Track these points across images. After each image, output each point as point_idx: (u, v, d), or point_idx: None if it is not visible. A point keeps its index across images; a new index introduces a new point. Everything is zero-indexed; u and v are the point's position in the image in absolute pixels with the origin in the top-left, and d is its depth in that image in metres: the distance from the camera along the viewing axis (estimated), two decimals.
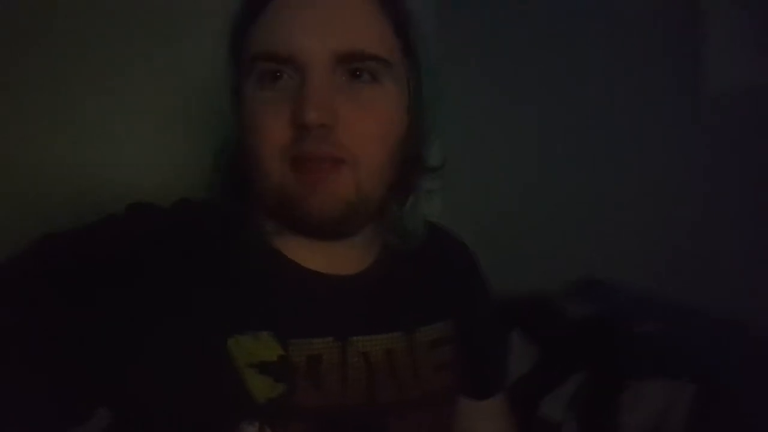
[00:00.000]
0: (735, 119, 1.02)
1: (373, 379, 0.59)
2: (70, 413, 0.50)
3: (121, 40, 1.00)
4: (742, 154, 1.01)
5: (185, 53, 0.99)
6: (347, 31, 0.54)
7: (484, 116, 1.38)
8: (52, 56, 0.97)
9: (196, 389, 0.52)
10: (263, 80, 0.54)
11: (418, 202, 0.63)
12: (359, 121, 0.54)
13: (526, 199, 1.34)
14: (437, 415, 0.64)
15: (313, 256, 0.60)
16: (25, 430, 0.49)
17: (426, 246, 0.65)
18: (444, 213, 1.43)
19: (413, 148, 0.60)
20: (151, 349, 0.51)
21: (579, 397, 1.03)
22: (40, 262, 0.53)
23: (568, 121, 1.24)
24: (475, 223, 1.42)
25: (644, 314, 1.04)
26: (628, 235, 1.15)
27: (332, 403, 0.56)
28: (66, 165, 0.97)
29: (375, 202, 0.57)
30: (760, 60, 0.99)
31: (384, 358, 0.60)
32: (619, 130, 1.17)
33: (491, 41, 1.37)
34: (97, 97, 0.99)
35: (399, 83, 0.57)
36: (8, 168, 0.94)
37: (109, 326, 0.50)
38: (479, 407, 0.74)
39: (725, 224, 1.02)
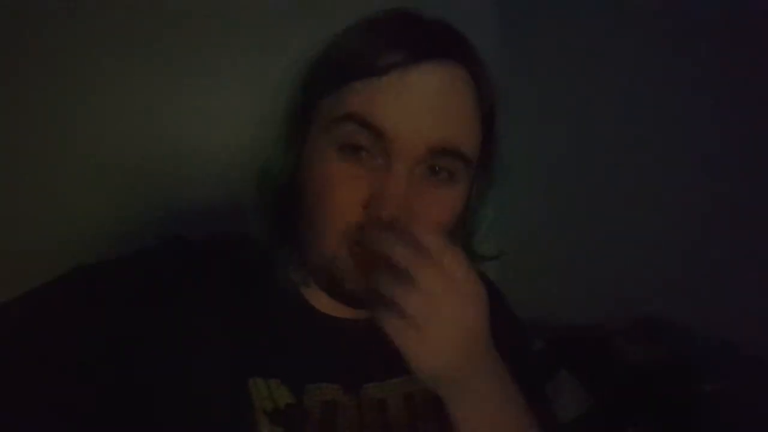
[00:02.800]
0: None
1: (391, 427, 0.57)
2: None
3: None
4: None
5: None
6: (447, 125, 0.51)
7: (536, 149, 1.34)
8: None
9: (216, 428, 0.51)
10: (345, 147, 0.50)
11: None
12: (427, 217, 0.51)
13: (577, 230, 1.27)
14: None
15: (328, 300, 0.57)
16: None
17: None
18: (492, 245, 1.39)
19: (461, 238, 0.58)
20: (175, 382, 0.51)
21: None
22: (71, 292, 0.53)
23: (620, 157, 1.20)
24: (527, 254, 1.38)
25: (714, 367, 0.94)
26: (687, 270, 1.06)
27: None
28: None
29: None
30: None
31: (403, 404, 0.58)
32: (677, 163, 1.10)
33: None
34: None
35: (468, 181, 0.55)
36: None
37: (134, 357, 0.50)
38: None
39: None
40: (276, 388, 0.53)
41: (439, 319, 0.45)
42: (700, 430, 0.90)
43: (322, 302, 0.58)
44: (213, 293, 0.55)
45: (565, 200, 1.32)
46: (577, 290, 1.24)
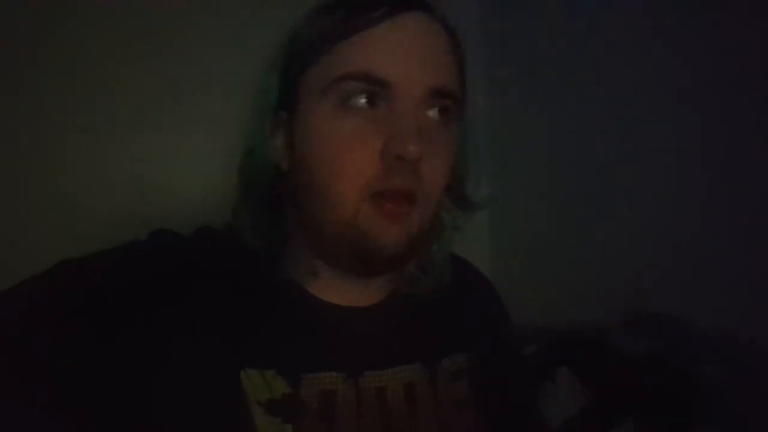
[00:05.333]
0: None
1: (390, 416, 0.57)
2: None
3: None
4: None
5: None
6: (440, 68, 0.54)
7: (533, 147, 1.37)
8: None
9: (207, 422, 0.51)
10: (348, 106, 0.52)
11: (446, 238, 0.64)
12: (434, 160, 0.54)
13: (575, 229, 1.29)
14: None
15: (333, 289, 0.59)
16: None
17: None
18: (490, 243, 1.42)
19: (453, 187, 0.61)
20: (164, 377, 0.50)
21: None
22: (58, 286, 0.52)
23: (617, 153, 1.22)
24: (524, 256, 1.40)
25: (710, 354, 0.96)
26: (686, 266, 1.08)
27: None
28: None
29: (424, 236, 0.58)
30: None
31: (403, 393, 0.58)
32: (675, 157, 1.12)
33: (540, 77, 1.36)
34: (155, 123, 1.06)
35: (457, 125, 0.58)
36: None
37: (123, 352, 0.50)
38: None
39: None
40: (272, 379, 0.53)
41: None
42: (700, 420, 0.92)
43: (323, 290, 0.59)
44: (202, 286, 0.55)
45: (561, 197, 1.33)
46: (574, 287, 1.25)
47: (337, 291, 0.59)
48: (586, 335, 1.12)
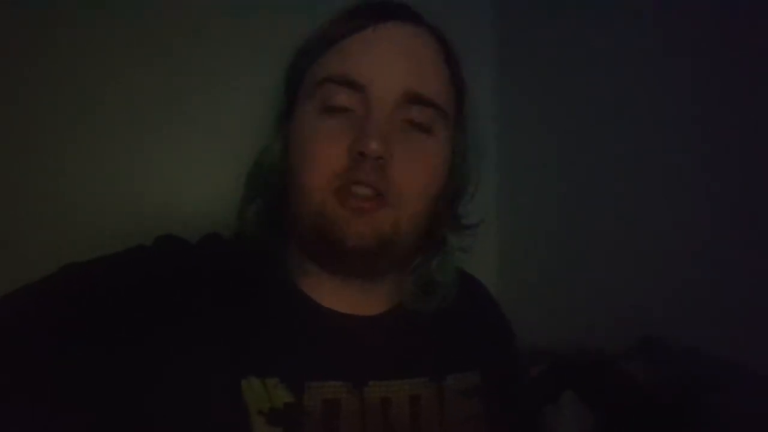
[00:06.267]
0: None
1: (393, 429, 0.56)
2: None
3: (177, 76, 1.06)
4: None
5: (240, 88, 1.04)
6: (419, 74, 0.56)
7: (540, 168, 1.35)
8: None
9: (206, 430, 0.50)
10: (327, 108, 0.55)
11: (448, 258, 0.63)
12: (409, 165, 0.55)
13: (584, 251, 1.26)
14: None
15: (336, 296, 0.59)
16: None
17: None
18: (498, 266, 1.40)
19: (448, 203, 0.61)
20: (166, 383, 0.50)
21: None
22: (61, 289, 0.52)
23: (621, 175, 1.18)
24: (529, 277, 1.37)
25: (716, 381, 0.92)
26: (691, 290, 1.04)
27: None
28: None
29: (407, 246, 0.58)
30: None
31: (408, 405, 0.57)
32: (680, 181, 1.08)
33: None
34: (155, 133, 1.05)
35: (447, 137, 0.58)
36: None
37: (124, 356, 0.49)
38: None
39: None
40: (273, 388, 0.52)
41: None
42: None
43: (326, 297, 0.59)
44: (205, 292, 0.54)
45: (566, 222, 1.31)
46: (579, 312, 1.22)
47: (339, 298, 0.59)
48: (593, 359, 1.08)
